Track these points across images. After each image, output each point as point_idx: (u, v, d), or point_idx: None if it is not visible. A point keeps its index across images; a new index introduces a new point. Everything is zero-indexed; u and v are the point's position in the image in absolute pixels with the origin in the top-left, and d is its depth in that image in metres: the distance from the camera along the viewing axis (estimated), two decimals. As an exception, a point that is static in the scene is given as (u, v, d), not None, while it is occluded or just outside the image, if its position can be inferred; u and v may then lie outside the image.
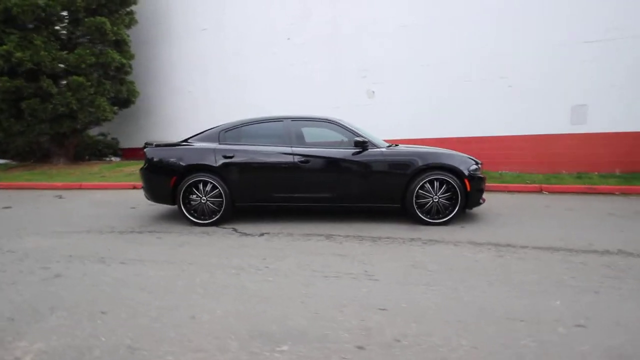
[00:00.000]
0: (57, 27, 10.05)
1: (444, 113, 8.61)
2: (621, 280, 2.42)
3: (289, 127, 4.30)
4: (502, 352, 1.65)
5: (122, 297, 2.29)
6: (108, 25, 9.71)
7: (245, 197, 4.21)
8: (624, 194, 5.84)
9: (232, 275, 2.65)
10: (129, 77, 11.16)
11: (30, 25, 9.38)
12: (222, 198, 4.13)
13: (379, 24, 9.07)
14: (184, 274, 2.67)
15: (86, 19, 9.63)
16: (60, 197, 6.59)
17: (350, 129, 4.28)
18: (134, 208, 5.35)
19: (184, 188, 4.14)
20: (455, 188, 3.93)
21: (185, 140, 4.52)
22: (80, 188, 7.77)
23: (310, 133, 4.41)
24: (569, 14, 7.63)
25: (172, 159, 4.27)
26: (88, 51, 9.73)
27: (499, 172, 7.64)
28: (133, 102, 11.44)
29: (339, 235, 3.64)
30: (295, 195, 4.16)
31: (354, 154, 4.09)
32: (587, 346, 1.67)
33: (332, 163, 4.14)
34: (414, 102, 8.82)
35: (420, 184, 3.95)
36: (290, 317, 2.00)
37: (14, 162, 11.92)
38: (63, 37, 10.22)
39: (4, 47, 8.90)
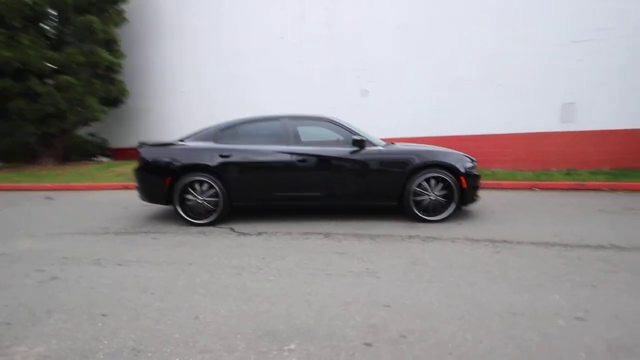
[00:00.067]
0: (45, 26, 9.85)
1: (444, 113, 8.69)
2: (616, 274, 2.48)
3: (286, 126, 4.28)
4: (506, 345, 1.67)
5: (121, 299, 2.26)
6: (98, 24, 9.57)
7: (243, 197, 4.18)
8: (613, 190, 5.98)
9: (232, 275, 2.63)
10: (119, 77, 11.01)
11: (18, 25, 9.18)
12: (219, 197, 4.09)
13: (379, 24, 9.10)
14: (183, 275, 2.65)
15: (75, 18, 9.46)
16: (49, 198, 6.45)
17: (348, 128, 4.28)
18: (126, 208, 5.27)
19: (180, 188, 4.10)
20: (452, 185, 3.97)
21: (181, 140, 4.46)
22: (70, 189, 7.63)
23: (308, 132, 4.40)
24: (559, 14, 7.78)
25: (167, 159, 4.21)
26: (77, 50, 9.56)
27: (491, 169, 7.74)
28: (123, 102, 11.29)
29: (338, 234, 3.64)
30: (293, 194, 4.14)
31: (351, 152, 4.09)
32: (588, 338, 1.71)
33: (329, 162, 4.13)
34: (414, 101, 8.89)
35: (418, 181, 3.99)
36: (295, 315, 2.00)
37: (1, 163, 11.65)
38: (52, 36, 10.02)
39: (-10, 46, 8.71)
